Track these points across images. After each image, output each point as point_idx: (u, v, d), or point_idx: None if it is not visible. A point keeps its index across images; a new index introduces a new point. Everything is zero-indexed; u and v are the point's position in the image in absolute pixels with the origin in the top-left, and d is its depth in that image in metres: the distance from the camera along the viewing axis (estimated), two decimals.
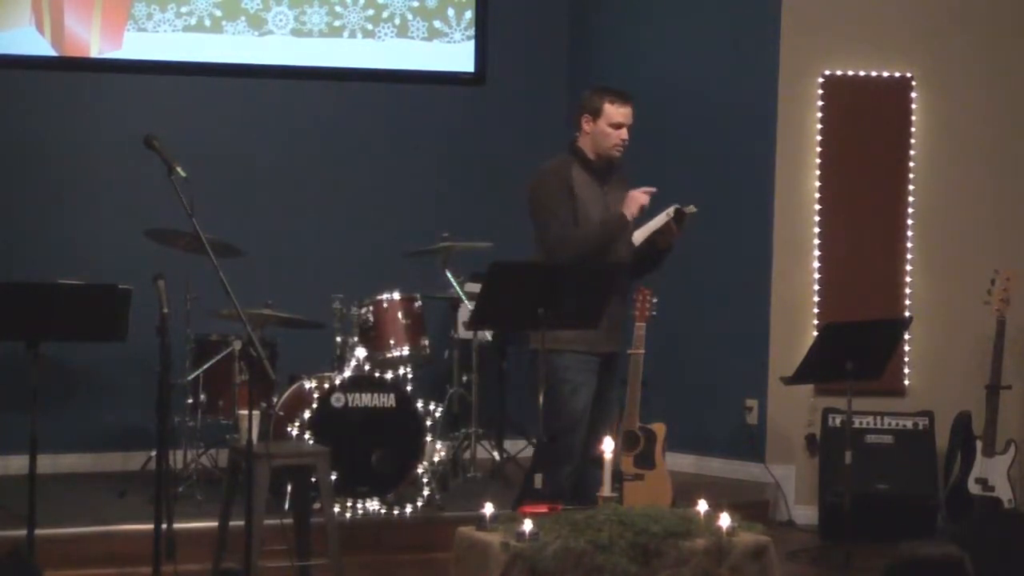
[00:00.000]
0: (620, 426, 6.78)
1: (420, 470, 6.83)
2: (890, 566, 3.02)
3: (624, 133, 5.95)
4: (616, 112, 5.92)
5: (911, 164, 7.62)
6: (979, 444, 7.14)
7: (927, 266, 7.62)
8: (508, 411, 7.80)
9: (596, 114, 5.93)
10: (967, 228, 7.63)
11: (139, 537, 5.96)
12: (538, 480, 5.50)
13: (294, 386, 6.85)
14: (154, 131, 5.31)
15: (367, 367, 6.80)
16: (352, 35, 8.12)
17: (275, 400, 6.80)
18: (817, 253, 7.59)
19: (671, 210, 5.78)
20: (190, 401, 6.97)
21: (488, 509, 4.93)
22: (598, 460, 5.82)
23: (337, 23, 8.08)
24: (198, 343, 6.99)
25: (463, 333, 7.57)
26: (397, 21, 8.17)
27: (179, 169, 5.16)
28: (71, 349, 7.01)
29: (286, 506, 6.30)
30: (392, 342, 7.04)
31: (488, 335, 7.62)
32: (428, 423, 6.83)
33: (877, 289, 7.55)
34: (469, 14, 8.29)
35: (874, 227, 7.60)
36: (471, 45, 8.31)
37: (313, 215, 8.07)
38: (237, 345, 6.76)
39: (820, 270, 7.59)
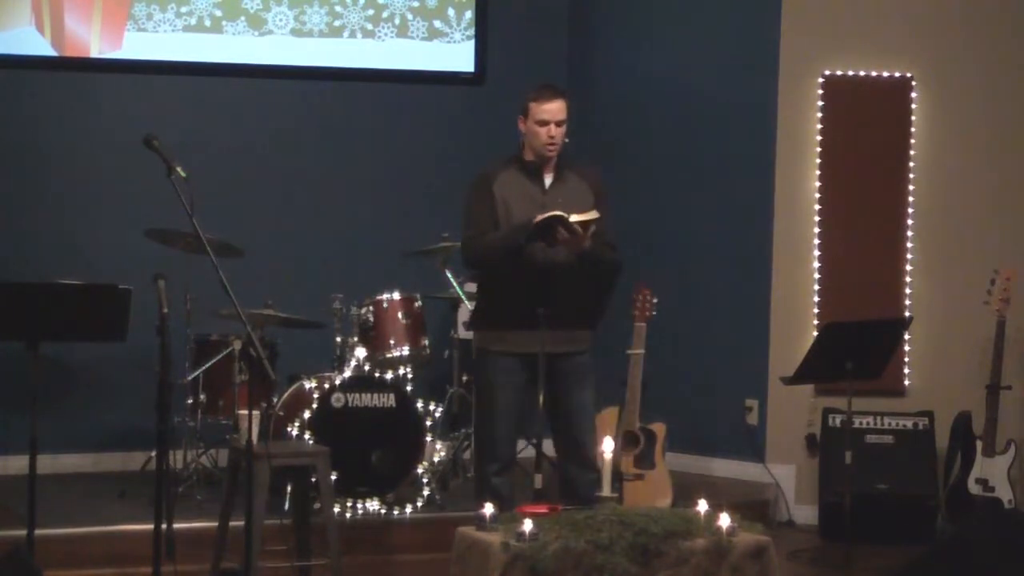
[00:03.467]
0: (620, 426, 6.79)
1: (420, 470, 6.83)
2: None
3: (552, 130, 5.76)
4: (539, 109, 5.77)
5: (911, 164, 7.61)
6: (979, 444, 7.14)
7: (927, 266, 7.62)
8: None
9: (525, 113, 5.82)
10: (967, 228, 7.63)
11: (139, 537, 5.95)
12: (538, 480, 5.50)
13: (294, 386, 6.85)
14: (154, 131, 5.31)
15: (367, 367, 6.79)
16: (352, 35, 8.12)
17: (275, 400, 6.80)
18: (817, 253, 7.59)
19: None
20: (190, 401, 6.97)
21: (488, 509, 4.93)
22: (586, 463, 5.83)
23: (337, 23, 8.08)
24: (198, 343, 6.99)
25: (463, 333, 7.56)
26: (397, 21, 8.17)
27: (179, 169, 5.16)
28: (71, 349, 7.03)
29: (286, 506, 6.30)
30: (392, 342, 7.04)
31: None
32: (428, 423, 6.83)
33: (877, 289, 7.55)
34: (469, 14, 8.29)
35: (874, 227, 7.60)
36: (471, 45, 8.31)
37: (313, 215, 8.07)
38: (237, 345, 6.76)
39: (820, 270, 7.59)
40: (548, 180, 5.86)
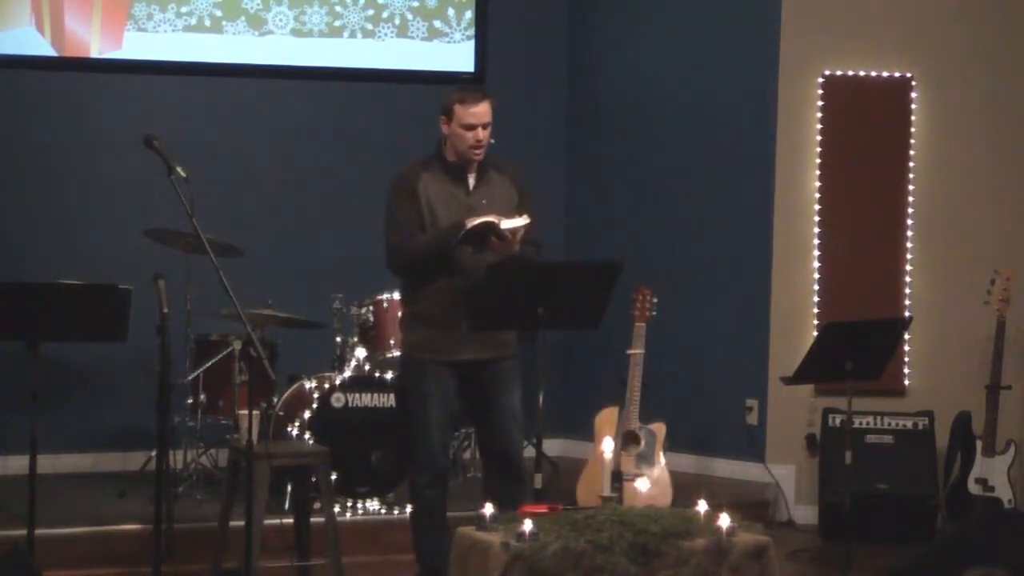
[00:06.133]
0: (620, 426, 6.79)
1: None
2: None
3: (479, 134, 5.61)
4: (465, 113, 5.62)
5: (911, 164, 7.62)
6: (979, 444, 7.14)
7: (927, 266, 7.62)
8: None
9: (449, 115, 5.67)
10: (967, 228, 7.63)
11: (139, 537, 5.97)
12: (538, 480, 5.50)
13: (294, 386, 6.85)
14: (154, 131, 5.31)
15: (367, 367, 6.80)
16: (352, 35, 8.12)
17: (275, 400, 6.80)
18: (817, 253, 7.59)
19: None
20: (190, 401, 6.97)
21: (488, 509, 4.93)
22: (510, 472, 5.67)
23: (337, 23, 8.08)
24: (198, 343, 6.99)
25: None
26: (397, 21, 8.17)
27: (179, 169, 5.17)
28: (71, 349, 7.02)
29: (286, 506, 6.30)
30: (392, 342, 7.03)
31: None
32: None
33: (877, 289, 7.55)
34: (469, 14, 8.29)
35: (874, 227, 7.60)
36: (471, 45, 8.31)
37: (313, 215, 8.06)
38: (237, 345, 6.76)
39: (820, 270, 7.59)
40: (471, 181, 5.71)
